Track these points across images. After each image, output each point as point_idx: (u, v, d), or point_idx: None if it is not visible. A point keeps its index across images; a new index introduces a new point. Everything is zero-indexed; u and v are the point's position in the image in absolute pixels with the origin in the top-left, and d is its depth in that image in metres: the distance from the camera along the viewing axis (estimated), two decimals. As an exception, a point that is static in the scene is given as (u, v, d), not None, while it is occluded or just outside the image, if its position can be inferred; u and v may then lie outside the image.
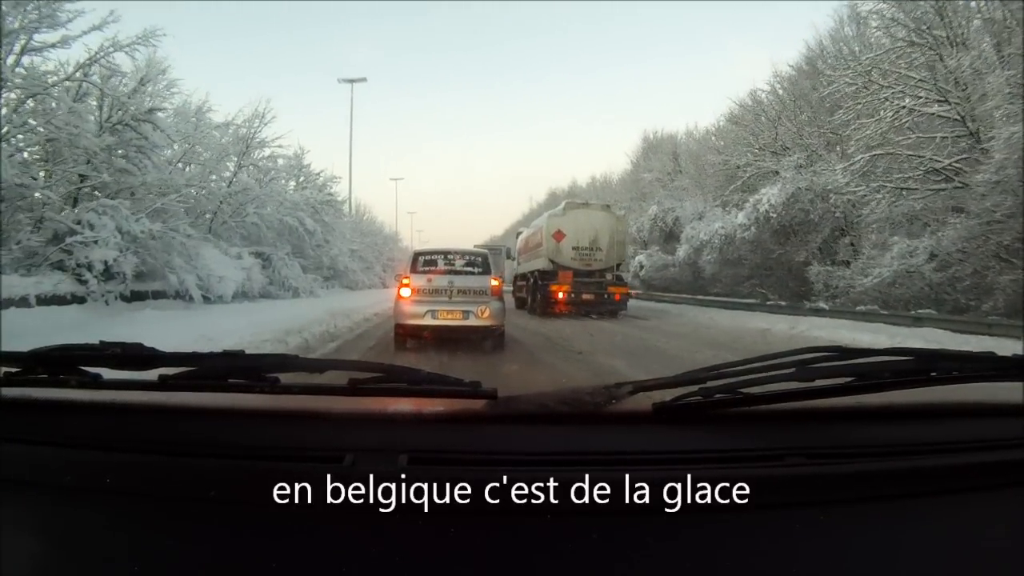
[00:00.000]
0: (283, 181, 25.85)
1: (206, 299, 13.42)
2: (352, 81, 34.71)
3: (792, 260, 18.55)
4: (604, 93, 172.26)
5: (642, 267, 26.94)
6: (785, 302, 17.98)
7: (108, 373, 0.86)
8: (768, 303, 18.23)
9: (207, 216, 18.29)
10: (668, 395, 0.87)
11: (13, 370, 0.86)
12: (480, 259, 8.24)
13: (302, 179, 26.71)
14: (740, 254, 20.29)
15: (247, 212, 19.03)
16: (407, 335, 7.79)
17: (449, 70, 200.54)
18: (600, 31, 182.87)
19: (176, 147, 16.96)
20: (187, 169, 17.64)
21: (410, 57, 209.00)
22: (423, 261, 8.09)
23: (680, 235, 25.04)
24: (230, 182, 18.75)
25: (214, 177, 18.99)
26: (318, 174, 27.29)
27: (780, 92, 21.60)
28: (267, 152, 20.38)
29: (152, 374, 0.84)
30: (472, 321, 7.57)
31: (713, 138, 26.84)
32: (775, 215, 17.67)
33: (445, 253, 8.29)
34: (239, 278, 15.59)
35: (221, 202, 18.55)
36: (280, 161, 22.37)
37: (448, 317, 7.53)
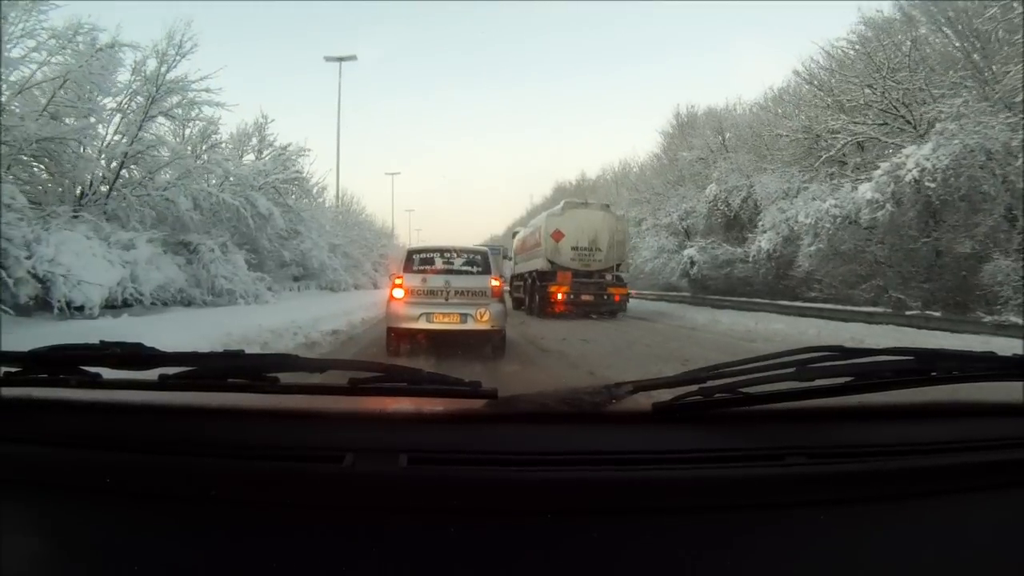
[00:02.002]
0: (237, 153, 20.13)
1: (18, 309, 7.77)
2: (341, 59, 31.23)
3: (951, 252, 12.87)
4: (610, 87, 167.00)
5: (692, 263, 20.86)
6: (939, 312, 12.32)
7: (108, 373, 0.85)
8: (908, 313, 12.66)
9: (97, 187, 12.57)
10: (668, 395, 0.86)
11: (13, 370, 0.86)
12: (479, 258, 7.65)
13: (266, 154, 20.76)
14: (856, 244, 14.57)
15: (157, 183, 13.18)
16: (400, 339, 7.26)
17: (449, 64, 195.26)
18: (602, 25, 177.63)
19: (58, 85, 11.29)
20: (69, 121, 11.92)
21: (409, 50, 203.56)
22: (418, 260, 7.55)
23: (752, 221, 19.06)
24: (133, 138, 12.95)
25: (119, 136, 13.24)
26: (284, 148, 21.14)
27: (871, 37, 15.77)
28: (189, 96, 14.16)
29: (152, 374, 0.84)
30: (470, 325, 6.99)
31: (780, 104, 21.08)
32: (933, 185, 11.94)
33: (441, 251, 7.81)
34: (111, 279, 9.91)
35: (122, 164, 12.77)
36: (216, 116, 16.35)
37: (444, 320, 6.99)
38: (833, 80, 16.89)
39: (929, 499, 0.80)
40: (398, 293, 7.18)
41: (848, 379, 0.84)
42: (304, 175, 21.93)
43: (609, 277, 15.59)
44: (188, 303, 13.46)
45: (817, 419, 0.89)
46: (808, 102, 18.20)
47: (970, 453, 0.86)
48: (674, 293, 23.93)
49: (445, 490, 0.75)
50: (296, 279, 23.11)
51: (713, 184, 20.51)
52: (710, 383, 0.85)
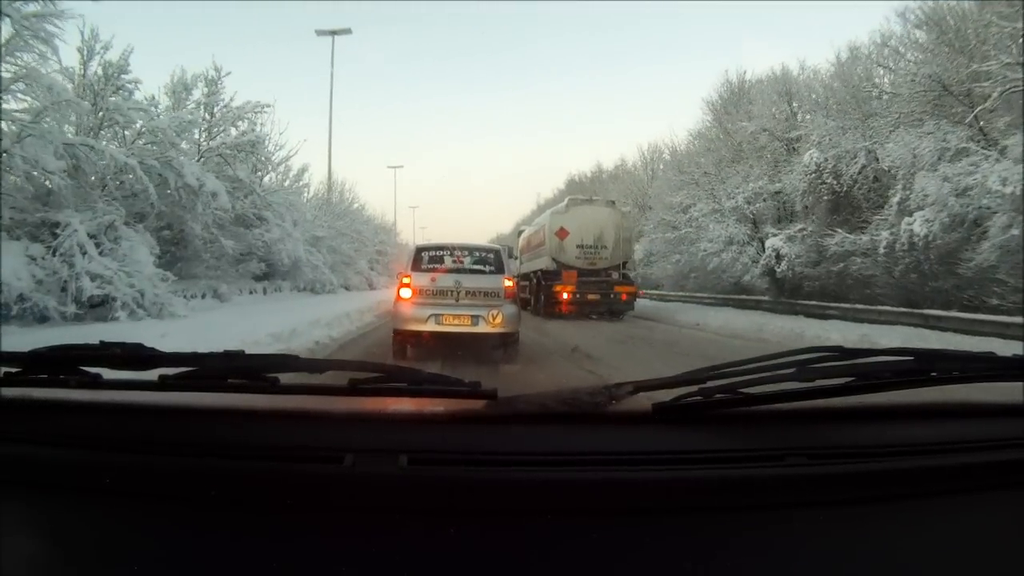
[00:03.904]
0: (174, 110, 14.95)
1: None
2: (334, 33, 27.39)
3: None
4: (620, 82, 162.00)
5: (779, 257, 15.50)
6: None
7: (108, 373, 0.85)
8: None
9: None
10: (668, 395, 0.86)
11: (13, 370, 0.85)
12: (492, 256, 7.22)
13: (218, 113, 15.33)
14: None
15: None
16: (406, 342, 6.83)
17: (454, 60, 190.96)
18: (611, 21, 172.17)
19: None
20: None
21: (414, 46, 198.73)
22: (427, 258, 7.07)
23: (869, 198, 14.07)
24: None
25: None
26: (240, 107, 15.47)
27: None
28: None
29: (152, 374, 0.84)
30: (482, 327, 6.48)
31: (878, 57, 15.96)
32: None
33: (451, 249, 7.31)
34: None
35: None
36: (127, 47, 11.37)
37: (454, 323, 6.52)
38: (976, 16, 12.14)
39: (929, 499, 0.80)
40: (405, 293, 6.71)
41: (848, 379, 0.84)
42: (262, 136, 16.14)
43: (615, 275, 15.17)
44: (42, 318, 8.48)
45: (817, 420, 0.89)
46: (925, 48, 13.64)
47: (970, 453, 0.86)
48: (743, 296, 18.68)
49: (445, 490, 0.75)
50: (259, 278, 18.11)
51: (813, 149, 14.73)
52: (710, 383, 0.85)
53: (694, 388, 0.84)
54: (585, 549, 0.69)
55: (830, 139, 14.76)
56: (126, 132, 12.04)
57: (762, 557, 0.69)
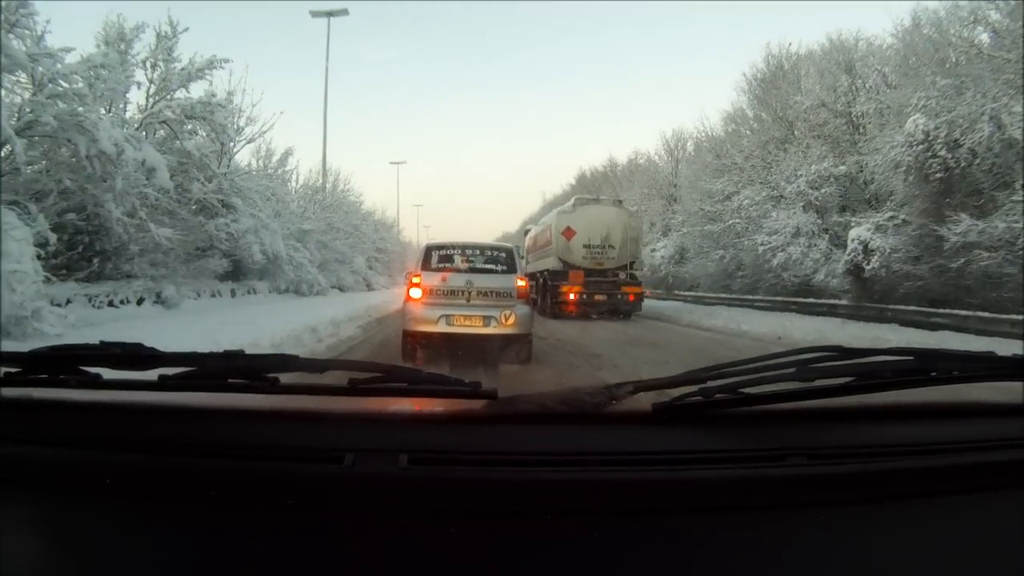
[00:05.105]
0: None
1: None
2: (330, 15, 26.06)
3: None
4: (628, 78, 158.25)
5: (868, 253, 12.62)
6: None
7: (108, 373, 0.85)
8: None
9: None
10: (668, 395, 0.86)
11: (13, 370, 0.85)
12: (504, 255, 6.99)
13: (164, 69, 12.20)
14: None
15: None
16: (417, 343, 6.53)
17: (459, 59, 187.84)
18: (618, 14, 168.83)
19: None
20: None
21: (420, 45, 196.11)
22: (437, 256, 6.88)
23: (981, 179, 11.01)
24: None
25: None
26: (198, 65, 12.48)
27: None
28: None
29: (152, 374, 0.83)
30: (494, 328, 6.27)
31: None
32: None
33: (463, 248, 7.15)
34: None
35: None
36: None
37: (465, 323, 6.30)
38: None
39: (929, 499, 0.80)
40: (415, 293, 6.46)
41: (849, 379, 0.84)
42: (222, 101, 12.93)
43: (623, 276, 15.03)
44: None
45: (817, 419, 0.89)
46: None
47: (970, 453, 0.86)
48: (811, 300, 15.51)
49: (445, 490, 0.75)
50: (224, 278, 15.12)
51: (918, 115, 11.58)
52: (710, 384, 0.85)
53: (694, 388, 0.84)
54: (585, 549, 0.69)
55: (938, 102, 11.56)
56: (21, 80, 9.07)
57: (762, 557, 0.69)
